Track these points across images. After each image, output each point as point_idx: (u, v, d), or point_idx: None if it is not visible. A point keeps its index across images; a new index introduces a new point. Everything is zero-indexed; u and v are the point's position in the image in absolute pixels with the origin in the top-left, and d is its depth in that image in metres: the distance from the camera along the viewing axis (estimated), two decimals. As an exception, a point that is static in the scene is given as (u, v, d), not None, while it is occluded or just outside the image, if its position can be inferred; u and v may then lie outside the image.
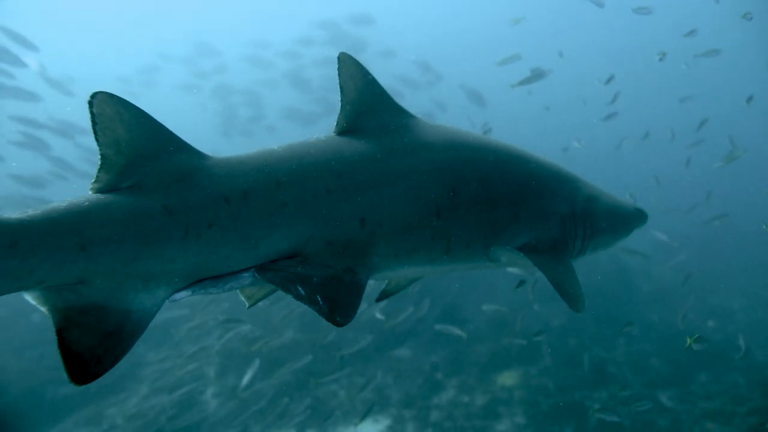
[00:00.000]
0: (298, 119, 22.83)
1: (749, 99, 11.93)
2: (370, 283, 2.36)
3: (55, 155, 13.32)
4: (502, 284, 11.74)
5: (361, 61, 2.43)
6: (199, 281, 1.96)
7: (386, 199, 2.26)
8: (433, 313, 10.14)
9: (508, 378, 9.10)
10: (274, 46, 25.14)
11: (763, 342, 10.37)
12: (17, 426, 8.58)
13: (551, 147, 13.31)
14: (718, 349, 9.14)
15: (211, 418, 8.27)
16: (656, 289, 13.43)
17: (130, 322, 1.82)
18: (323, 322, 1.99)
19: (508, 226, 2.65)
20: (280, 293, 2.54)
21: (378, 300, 3.16)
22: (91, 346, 1.73)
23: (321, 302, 1.94)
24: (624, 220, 3.47)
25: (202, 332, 9.49)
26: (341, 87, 2.42)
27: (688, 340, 5.36)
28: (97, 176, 1.92)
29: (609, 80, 11.73)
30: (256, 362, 8.00)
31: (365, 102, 2.46)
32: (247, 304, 2.53)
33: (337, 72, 2.39)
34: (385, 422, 8.30)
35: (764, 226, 4.47)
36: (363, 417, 7.66)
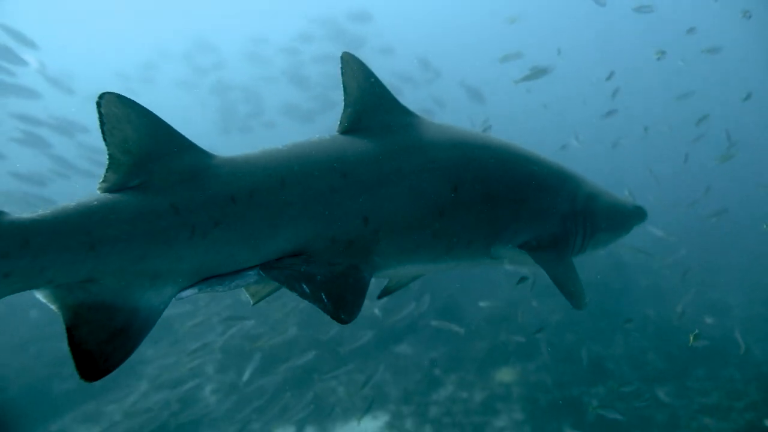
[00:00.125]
0: (297, 116, 22.82)
1: (747, 96, 11.98)
2: (371, 280, 2.39)
3: (56, 153, 13.34)
4: (501, 281, 11.79)
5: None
6: (205, 279, 1.98)
7: (389, 198, 2.29)
8: (433, 309, 10.17)
9: (506, 374, 9.14)
10: (273, 42, 25.14)
11: (759, 337, 10.44)
12: (16, 423, 8.59)
13: (550, 144, 13.34)
14: (715, 344, 9.19)
15: (212, 415, 8.29)
16: (654, 285, 13.49)
17: (138, 320, 1.85)
18: (323, 318, 2.02)
19: (510, 224, 2.68)
20: (282, 290, 2.58)
21: (380, 297, 3.18)
22: (101, 343, 1.76)
23: (325, 300, 1.97)
24: (624, 217, 3.51)
25: (204, 329, 9.51)
26: (344, 86, 2.45)
27: (691, 338, 5.40)
28: (105, 176, 1.94)
29: (610, 76, 11.77)
30: (257, 358, 8.04)
31: (368, 101, 2.48)
32: (251, 302, 2.56)
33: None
34: (383, 418, 8.34)
35: (765, 226, 4.51)
36: (365, 412, 7.71)
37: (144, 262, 1.84)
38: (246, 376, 7.94)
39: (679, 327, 9.81)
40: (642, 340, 10.19)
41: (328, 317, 1.99)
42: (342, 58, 2.41)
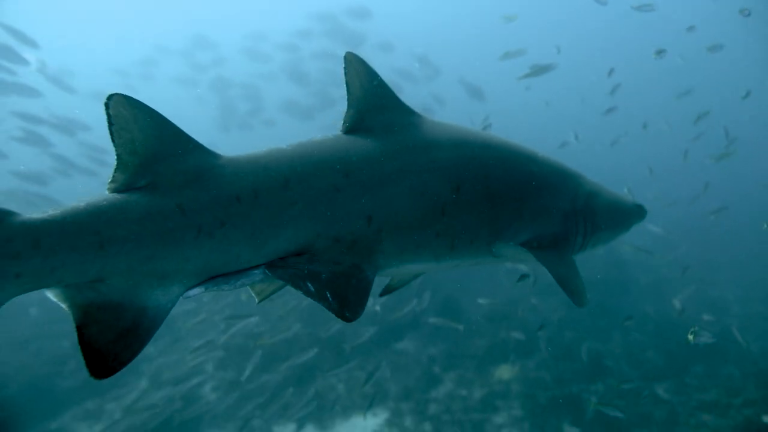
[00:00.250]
0: (296, 112, 22.81)
1: (746, 95, 12.01)
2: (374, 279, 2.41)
3: (57, 152, 13.37)
4: (500, 278, 11.83)
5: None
6: (211, 278, 2.00)
7: (392, 197, 2.31)
8: (433, 306, 10.21)
9: (505, 371, 9.17)
10: (272, 39, 25.08)
11: (758, 335, 10.48)
12: (16, 420, 8.59)
13: (550, 141, 13.36)
14: (714, 341, 9.23)
15: (213, 412, 8.31)
16: (653, 282, 13.53)
17: (146, 319, 1.87)
18: (324, 316, 2.04)
19: (512, 223, 2.70)
20: (283, 288, 2.60)
21: (382, 295, 3.21)
22: (110, 342, 1.78)
23: (330, 298, 1.99)
24: (624, 215, 3.53)
25: (206, 327, 9.54)
26: (347, 86, 2.46)
27: (690, 337, 5.43)
28: (113, 176, 1.96)
29: (611, 73, 11.80)
30: (257, 355, 8.06)
31: (371, 101, 2.50)
32: (256, 300, 2.58)
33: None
34: (383, 415, 8.37)
35: (765, 226, 4.53)
36: (369, 407, 7.76)
37: (152, 261, 1.86)
38: (247, 373, 7.97)
39: (678, 324, 9.86)
40: (641, 337, 10.23)
41: (331, 315, 2.01)
42: (345, 58, 2.43)
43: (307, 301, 9.24)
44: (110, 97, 1.88)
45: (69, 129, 13.49)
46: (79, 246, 1.74)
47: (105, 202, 1.85)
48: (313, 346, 8.27)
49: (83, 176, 14.15)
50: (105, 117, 1.90)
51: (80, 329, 1.78)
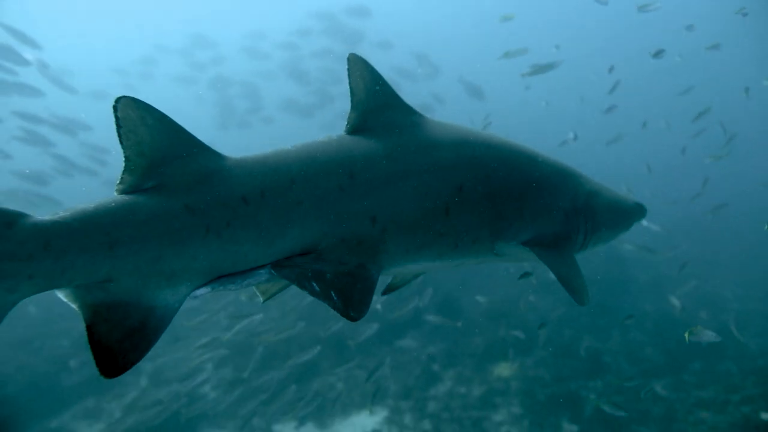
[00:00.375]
0: (295, 111, 22.83)
1: (746, 90, 12.05)
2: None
3: (58, 152, 13.39)
4: (500, 276, 11.86)
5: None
6: (218, 278, 2.03)
7: (397, 197, 2.34)
8: (433, 304, 10.24)
9: (504, 369, 9.21)
10: (271, 37, 25.08)
11: (757, 331, 10.53)
12: (16, 419, 8.61)
13: (550, 140, 13.39)
14: (719, 340, 9.27)
15: (213, 411, 8.33)
16: (652, 279, 13.58)
17: (154, 318, 1.90)
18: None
19: (514, 222, 2.73)
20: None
21: (384, 293, 3.23)
22: (119, 341, 1.81)
23: (335, 298, 2.01)
24: (624, 214, 3.56)
25: (209, 326, 9.55)
26: (351, 87, 2.49)
27: (686, 336, 5.46)
28: (121, 177, 1.99)
29: (611, 70, 11.84)
30: (259, 352, 8.09)
31: (375, 102, 2.53)
32: (261, 299, 2.61)
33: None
34: (382, 413, 8.39)
35: (766, 227, 4.55)
36: (373, 398, 7.81)
37: (160, 262, 1.89)
38: (248, 371, 8.00)
39: (676, 321, 9.90)
40: (639, 334, 10.27)
41: (332, 313, 2.03)
42: (348, 59, 2.46)
43: (308, 300, 9.28)
44: (118, 100, 1.91)
45: (69, 129, 13.51)
46: (89, 247, 1.77)
47: (114, 204, 1.88)
48: (314, 345, 8.29)
49: (84, 176, 14.18)
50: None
51: (90, 328, 1.81)
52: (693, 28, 11.41)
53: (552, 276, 2.75)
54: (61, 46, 41.21)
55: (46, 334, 10.24)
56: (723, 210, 13.72)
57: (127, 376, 9.41)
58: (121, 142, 1.96)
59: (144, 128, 1.96)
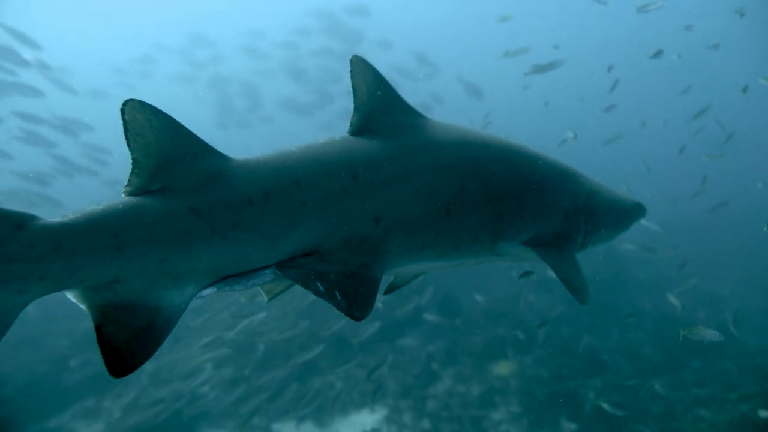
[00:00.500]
0: (295, 110, 22.81)
1: (744, 88, 12.07)
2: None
3: (58, 152, 13.39)
4: (498, 275, 11.89)
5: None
6: (224, 279, 2.05)
7: (399, 198, 2.36)
8: (433, 303, 10.27)
9: (503, 367, 9.24)
10: (270, 36, 25.06)
11: (755, 329, 10.57)
12: (15, 419, 8.61)
13: (549, 139, 13.41)
14: (721, 339, 9.29)
15: (214, 410, 8.35)
16: (651, 278, 13.62)
17: (161, 319, 1.92)
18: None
19: (514, 222, 2.76)
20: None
21: (386, 293, 3.25)
22: (127, 341, 1.84)
23: (339, 298, 2.03)
24: (624, 214, 3.59)
25: (211, 325, 9.56)
26: (354, 89, 2.51)
27: (681, 333, 5.49)
28: (129, 180, 2.01)
29: (610, 69, 11.86)
30: (259, 352, 8.11)
31: (377, 103, 2.55)
32: (266, 299, 2.64)
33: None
34: (382, 412, 8.41)
35: (766, 228, 4.58)
36: (374, 394, 7.84)
37: (166, 263, 1.91)
38: (249, 370, 8.02)
39: (676, 320, 9.93)
40: (638, 332, 10.31)
41: (334, 312, 2.05)
42: (351, 61, 2.48)
43: (310, 299, 9.30)
44: (126, 103, 1.93)
45: (70, 129, 13.51)
46: (98, 249, 1.79)
47: (121, 206, 1.90)
48: (316, 344, 8.31)
49: (84, 176, 14.19)
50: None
51: (99, 329, 1.83)
52: (692, 28, 11.44)
53: (551, 275, 2.79)
54: (61, 46, 41.15)
55: (46, 334, 10.24)
56: (722, 209, 13.75)
57: (127, 376, 9.42)
58: (128, 145, 1.98)
59: (151, 131, 1.98)
